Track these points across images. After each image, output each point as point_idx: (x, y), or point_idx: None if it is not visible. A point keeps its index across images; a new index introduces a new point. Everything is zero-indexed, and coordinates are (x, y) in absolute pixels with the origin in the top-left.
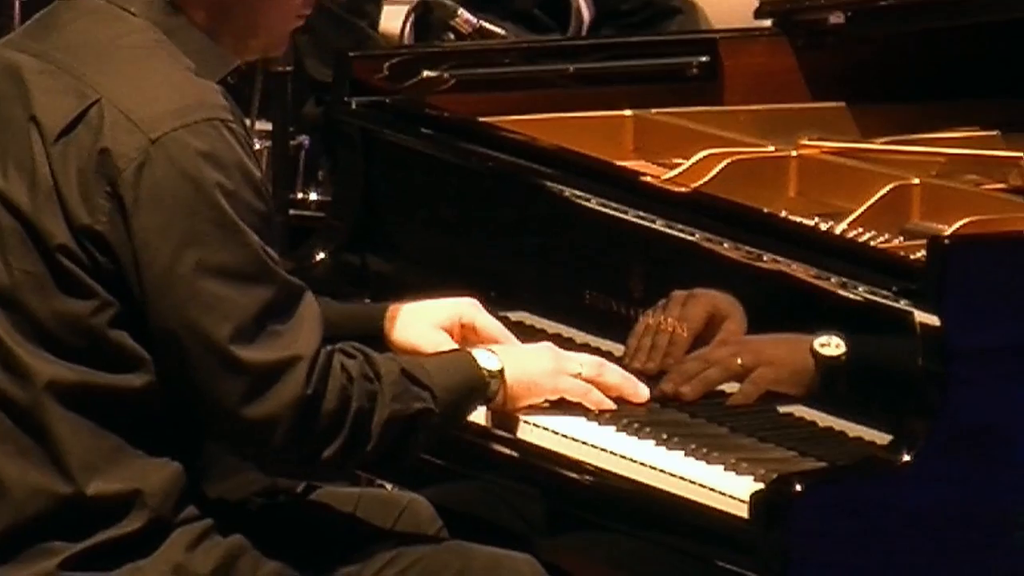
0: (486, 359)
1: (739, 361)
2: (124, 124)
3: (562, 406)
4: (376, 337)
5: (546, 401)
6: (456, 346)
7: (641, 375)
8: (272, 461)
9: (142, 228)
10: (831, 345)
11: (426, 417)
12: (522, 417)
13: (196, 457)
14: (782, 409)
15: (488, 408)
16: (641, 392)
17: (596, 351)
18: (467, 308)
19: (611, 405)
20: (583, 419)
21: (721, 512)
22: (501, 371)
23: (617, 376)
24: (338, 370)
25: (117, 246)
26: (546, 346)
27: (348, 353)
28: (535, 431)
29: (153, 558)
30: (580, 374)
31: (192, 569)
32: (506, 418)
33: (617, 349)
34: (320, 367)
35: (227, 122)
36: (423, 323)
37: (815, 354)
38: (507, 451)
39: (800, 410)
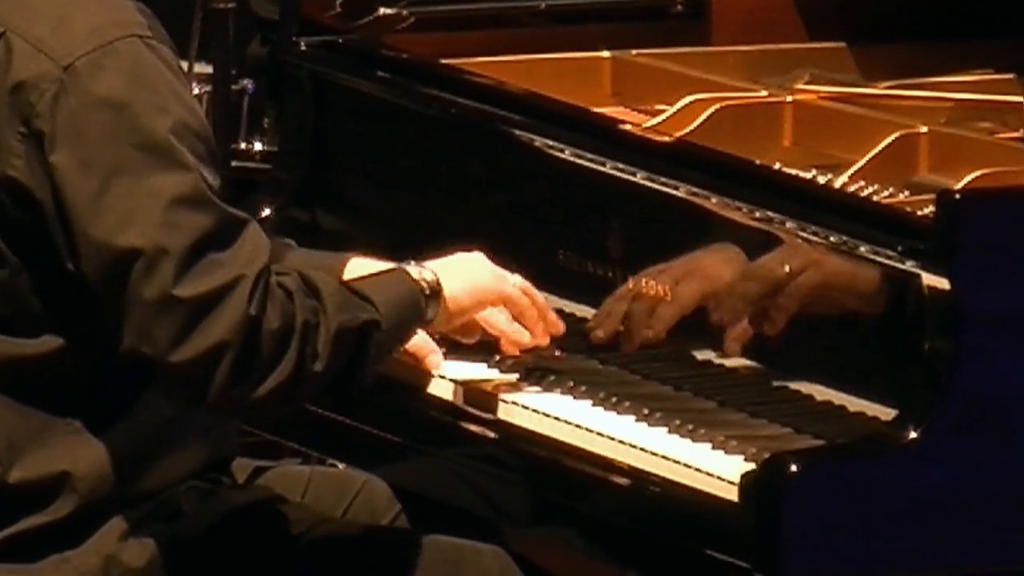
0: (419, 272)
1: (785, 267)
2: (32, 54)
3: (532, 378)
4: None
5: (513, 379)
6: None
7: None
8: (220, 397)
9: (62, 163)
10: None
11: (374, 329)
12: (490, 391)
13: (132, 437)
14: (776, 381)
15: (429, 327)
16: (558, 323)
17: (571, 317)
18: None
19: (559, 325)
20: (556, 392)
21: (708, 495)
22: (437, 282)
23: (540, 297)
24: (276, 288)
25: (35, 190)
26: (473, 254)
27: (280, 271)
28: (504, 406)
29: (82, 548)
30: (514, 283)
31: (124, 561)
32: (473, 392)
33: (591, 314)
34: (260, 289)
35: (146, 38)
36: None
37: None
38: (472, 427)
39: (796, 383)
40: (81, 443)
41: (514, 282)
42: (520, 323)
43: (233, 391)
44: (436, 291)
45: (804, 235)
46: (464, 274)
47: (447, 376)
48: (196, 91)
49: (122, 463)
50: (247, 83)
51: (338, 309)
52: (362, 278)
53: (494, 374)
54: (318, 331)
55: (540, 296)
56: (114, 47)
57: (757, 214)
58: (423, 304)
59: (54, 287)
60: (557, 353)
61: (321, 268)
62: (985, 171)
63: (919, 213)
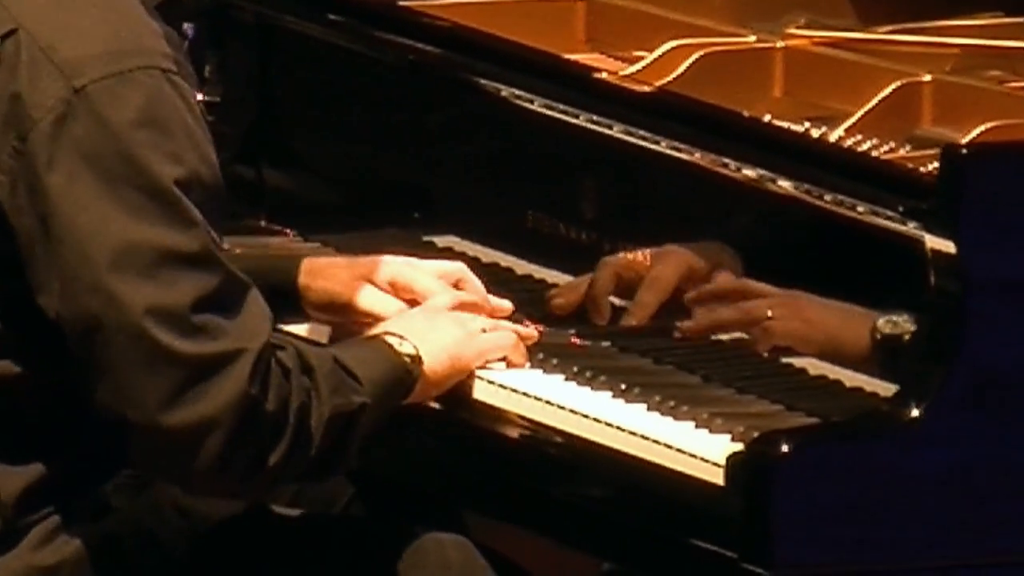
0: (398, 343)
1: (769, 313)
2: (44, 65)
3: None
4: (287, 294)
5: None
6: (401, 305)
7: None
8: (205, 476)
9: (58, 188)
10: (899, 324)
11: (363, 413)
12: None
13: (66, 461)
14: (766, 354)
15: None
16: (531, 333)
17: (540, 283)
18: (401, 268)
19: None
20: (525, 366)
21: (691, 479)
22: (418, 354)
23: (508, 322)
24: (274, 366)
25: (11, 213)
26: (431, 311)
27: (277, 344)
28: (467, 380)
29: (3, 558)
30: (484, 327)
31: (48, 565)
32: None
33: (565, 281)
34: (263, 364)
35: (168, 72)
36: (352, 276)
37: (876, 331)
38: (433, 404)
39: (788, 355)
40: (10, 471)
41: (480, 326)
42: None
43: (222, 472)
44: (418, 365)
45: (796, 194)
46: (439, 342)
47: None
48: None
49: (50, 483)
50: (187, 27)
51: (332, 392)
52: (347, 346)
53: None
54: (312, 413)
55: (507, 327)
56: (133, 76)
57: (745, 171)
58: (406, 381)
59: (15, 317)
60: (534, 328)
61: (274, 271)
62: (994, 124)
63: (922, 170)
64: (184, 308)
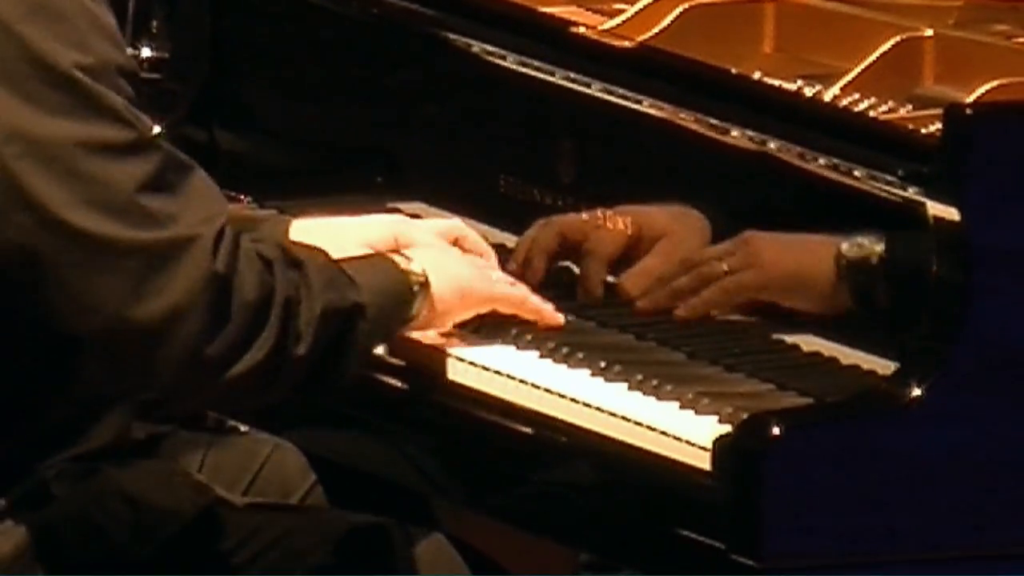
0: (405, 262)
1: (724, 267)
2: None
3: (468, 325)
4: None
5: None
6: None
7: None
8: (181, 374)
9: None
10: (864, 246)
11: (361, 317)
12: (419, 340)
13: (1, 446)
14: (756, 330)
15: (411, 326)
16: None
17: (513, 252)
18: (401, 225)
19: (559, 319)
20: (497, 342)
21: (676, 463)
22: (426, 275)
23: (535, 299)
24: (252, 253)
25: None
26: (448, 248)
27: (255, 238)
28: (435, 358)
29: None
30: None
31: None
32: (398, 342)
33: None
34: (227, 245)
35: None
36: (350, 241)
37: (840, 258)
38: (398, 384)
39: (779, 331)
40: None
41: (499, 278)
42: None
43: (199, 365)
44: (424, 286)
45: (788, 157)
46: (451, 271)
47: None
48: None
49: None
50: None
51: (325, 286)
52: (345, 259)
53: None
54: (300, 308)
55: (533, 297)
56: None
57: (733, 132)
58: (410, 298)
59: None
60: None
61: (259, 235)
62: (1000, 81)
63: (924, 131)
64: (124, 198)
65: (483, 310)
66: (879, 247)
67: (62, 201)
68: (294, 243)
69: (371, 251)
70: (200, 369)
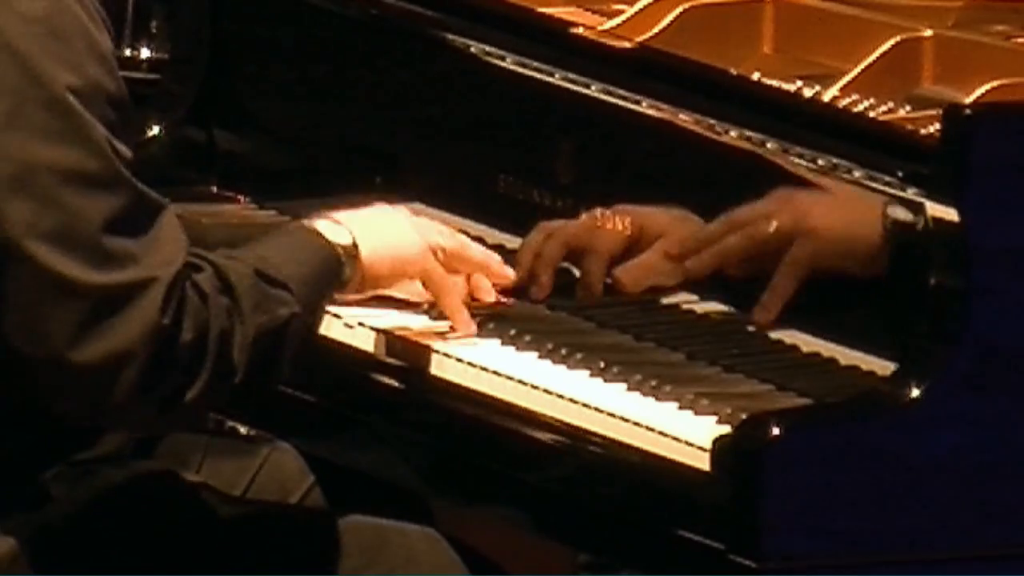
0: (334, 233)
1: (773, 226)
2: None
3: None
4: None
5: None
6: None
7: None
8: (120, 412)
9: None
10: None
11: (292, 323)
12: (417, 341)
13: (1, 449)
14: (754, 330)
15: (338, 296)
16: (507, 272)
17: (512, 253)
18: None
19: (472, 328)
20: (496, 343)
21: (675, 464)
22: (355, 245)
23: (480, 251)
24: (190, 292)
25: None
26: (394, 210)
27: (194, 265)
28: (434, 358)
29: None
30: (443, 247)
31: None
32: (397, 342)
33: None
34: (177, 293)
35: None
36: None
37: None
38: (397, 384)
39: (778, 331)
40: None
41: (440, 244)
42: (437, 302)
43: (139, 408)
44: (352, 256)
45: (787, 158)
46: (385, 236)
47: (367, 324)
48: None
49: None
50: None
51: (255, 308)
52: (272, 244)
53: (423, 321)
54: (233, 338)
55: (477, 250)
56: None
57: (732, 133)
58: (338, 270)
59: None
60: (506, 300)
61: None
62: (999, 82)
63: (923, 132)
64: (88, 234)
65: (415, 279)
66: (923, 214)
67: (27, 227)
68: (225, 261)
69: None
70: (139, 408)
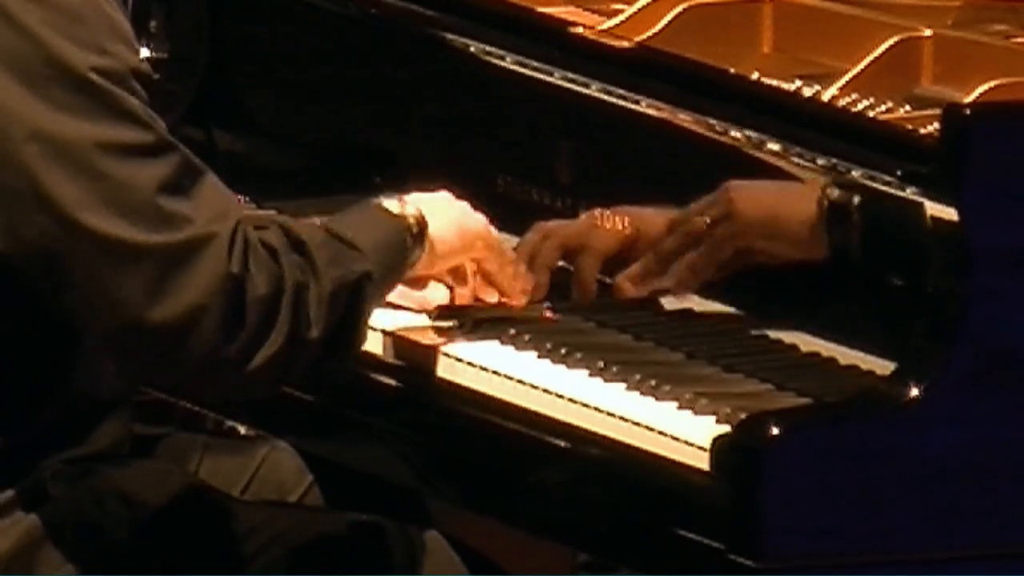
0: (399, 206)
1: (706, 220)
2: None
3: (466, 325)
4: None
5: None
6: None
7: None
8: (202, 372)
9: None
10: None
11: (367, 283)
12: (417, 341)
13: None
14: (754, 330)
15: (414, 270)
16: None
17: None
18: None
19: (522, 299)
20: (495, 342)
21: (674, 463)
22: (423, 217)
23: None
24: (258, 245)
25: None
26: (451, 196)
27: (259, 225)
28: (434, 358)
29: None
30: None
31: None
32: (397, 342)
33: None
34: (240, 243)
35: None
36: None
37: (823, 200)
38: (396, 384)
39: (777, 331)
40: None
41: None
42: (492, 280)
43: (219, 366)
44: (422, 228)
45: (788, 159)
46: (448, 213)
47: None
48: None
49: None
50: None
51: (329, 264)
52: (340, 217)
53: (422, 321)
54: (309, 292)
55: (513, 265)
56: None
57: (731, 133)
58: (409, 244)
59: None
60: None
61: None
62: (999, 82)
63: (922, 131)
64: (142, 200)
65: (480, 254)
66: (859, 194)
67: (80, 202)
68: (292, 221)
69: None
70: (219, 366)
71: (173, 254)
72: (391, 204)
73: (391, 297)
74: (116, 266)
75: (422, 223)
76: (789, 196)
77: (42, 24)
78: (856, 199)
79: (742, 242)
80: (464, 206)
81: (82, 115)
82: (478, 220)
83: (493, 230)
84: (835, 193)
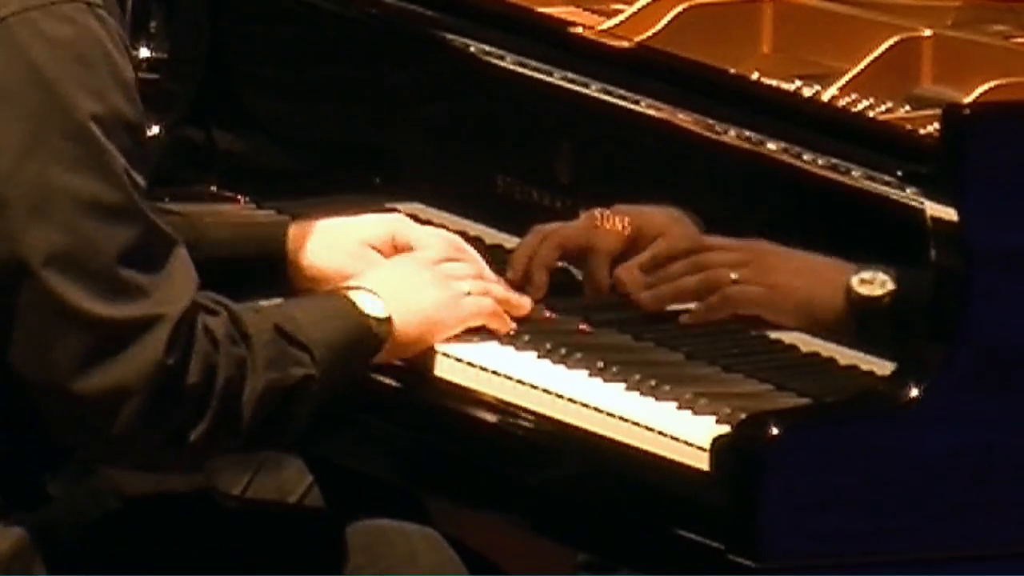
0: (368, 302)
1: (733, 276)
2: None
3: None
4: (275, 261)
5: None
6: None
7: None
8: (122, 447)
9: None
10: (875, 283)
11: (307, 386)
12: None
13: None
14: (754, 330)
15: (374, 361)
16: (524, 303)
17: (510, 253)
18: (399, 224)
19: (511, 325)
20: (495, 342)
21: (674, 463)
22: (388, 315)
23: (502, 288)
24: (201, 333)
25: None
26: (417, 264)
27: (209, 309)
28: (433, 358)
29: None
30: (468, 292)
31: None
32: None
33: None
34: (183, 333)
35: (94, 6)
36: (349, 240)
37: (850, 292)
38: (395, 384)
39: (777, 331)
40: None
41: (463, 290)
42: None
43: (141, 444)
44: (386, 327)
45: (786, 158)
46: (416, 303)
47: None
48: None
49: None
50: None
51: (268, 364)
52: (300, 305)
53: None
54: (243, 388)
55: (499, 289)
56: (58, 9)
57: (731, 133)
58: (371, 344)
59: None
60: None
61: (259, 239)
62: (998, 82)
63: (922, 131)
64: (102, 265)
65: (452, 333)
66: (890, 285)
67: (42, 253)
68: (245, 312)
69: (370, 250)
70: (141, 445)
71: (116, 329)
72: (361, 299)
73: None
74: (57, 326)
75: (387, 322)
76: (820, 280)
77: (52, 62)
78: (887, 298)
79: (764, 312)
80: (431, 286)
81: (71, 165)
82: (448, 305)
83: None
84: (864, 290)
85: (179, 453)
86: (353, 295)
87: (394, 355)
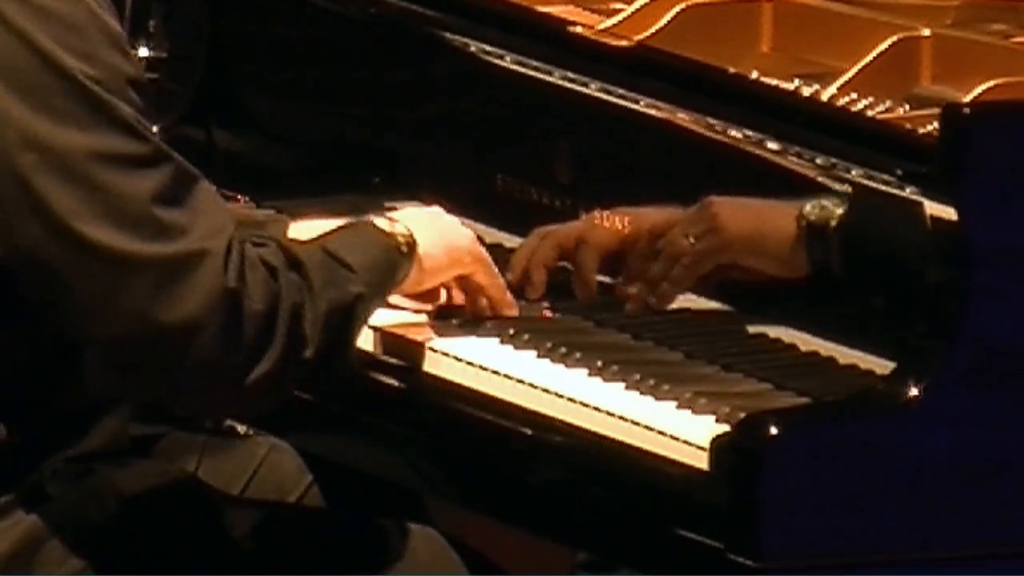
0: (389, 225)
1: (690, 239)
2: None
3: (465, 324)
4: None
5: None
6: None
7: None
8: (198, 385)
9: None
10: (825, 208)
11: (359, 304)
12: (415, 338)
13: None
14: (753, 329)
15: (401, 287)
16: (510, 302)
17: (511, 253)
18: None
19: (514, 308)
20: (494, 341)
21: (673, 463)
22: (412, 236)
23: (500, 286)
24: (257, 262)
25: None
26: (439, 210)
27: (257, 243)
28: (431, 356)
29: None
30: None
31: None
32: (394, 340)
33: None
34: (236, 258)
35: None
36: None
37: (801, 218)
38: (394, 383)
39: (777, 330)
40: None
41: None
42: (482, 293)
43: (214, 379)
44: (411, 247)
45: (787, 158)
46: (437, 230)
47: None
48: None
49: None
50: None
51: (325, 285)
52: (333, 235)
53: (421, 320)
54: (305, 312)
55: (501, 280)
56: None
57: (731, 132)
58: (399, 263)
59: None
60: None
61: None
62: (998, 81)
63: (921, 131)
64: (138, 211)
65: (469, 270)
66: (840, 210)
67: (75, 212)
68: (292, 240)
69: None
70: (214, 380)
71: (170, 265)
72: (381, 223)
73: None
74: (113, 276)
75: (411, 242)
76: (771, 213)
77: (39, 30)
78: (834, 221)
79: (725, 257)
80: (453, 221)
81: (77, 124)
82: (466, 235)
83: (481, 248)
84: (814, 215)
85: (251, 388)
86: (376, 221)
87: (420, 282)
